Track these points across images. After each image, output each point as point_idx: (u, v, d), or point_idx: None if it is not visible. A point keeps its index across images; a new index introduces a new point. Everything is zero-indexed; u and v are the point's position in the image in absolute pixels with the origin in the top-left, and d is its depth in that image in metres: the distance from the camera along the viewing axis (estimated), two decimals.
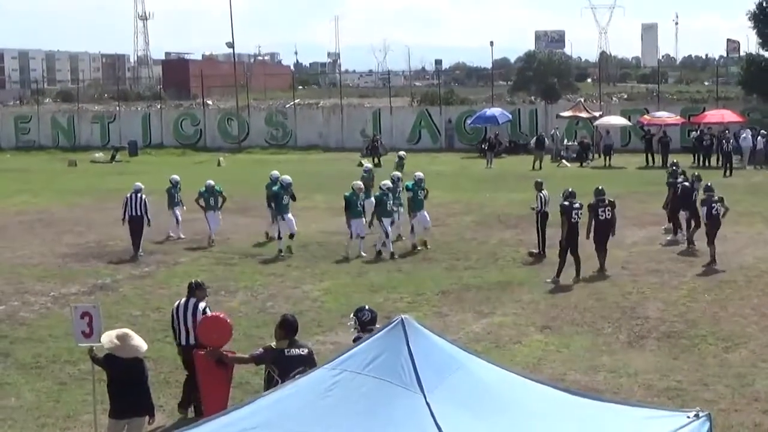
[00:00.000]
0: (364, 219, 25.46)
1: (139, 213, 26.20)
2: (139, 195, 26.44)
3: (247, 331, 18.30)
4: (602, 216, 22.68)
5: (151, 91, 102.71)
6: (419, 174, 27.36)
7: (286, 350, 10.96)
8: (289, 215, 26.08)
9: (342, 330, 18.18)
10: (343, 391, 6.83)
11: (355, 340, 11.15)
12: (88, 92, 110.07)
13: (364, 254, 24.99)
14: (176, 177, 30.21)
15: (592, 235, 22.69)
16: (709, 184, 23.87)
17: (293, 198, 26.72)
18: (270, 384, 10.63)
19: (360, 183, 26.12)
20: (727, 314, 18.91)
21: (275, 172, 28.32)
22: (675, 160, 31.77)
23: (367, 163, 31.71)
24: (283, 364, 10.78)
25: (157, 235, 28.30)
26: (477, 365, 7.41)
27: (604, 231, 22.74)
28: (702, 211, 23.27)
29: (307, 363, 10.72)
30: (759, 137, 47.70)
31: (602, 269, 22.62)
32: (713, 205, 22.97)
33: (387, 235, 25.17)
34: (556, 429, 7.00)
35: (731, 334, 17.48)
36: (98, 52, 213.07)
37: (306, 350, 11.13)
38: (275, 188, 26.42)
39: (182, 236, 28.72)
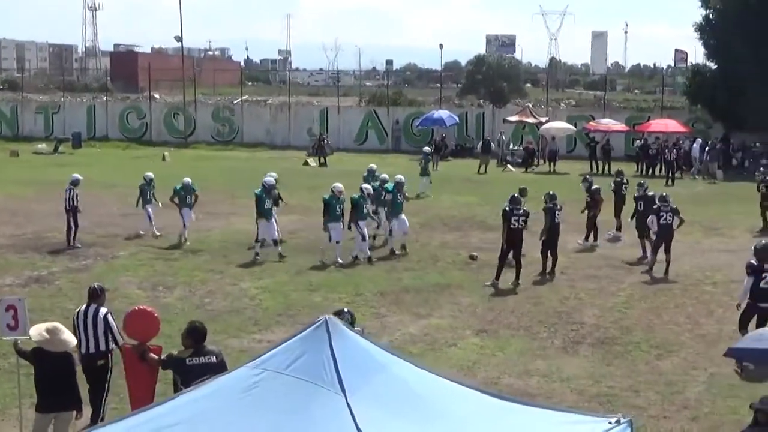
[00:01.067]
0: (341, 223, 24.63)
1: (75, 204, 25.99)
2: (74, 188, 26.16)
3: (183, 327, 18.13)
4: (557, 219, 23.02)
5: (99, 82, 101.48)
6: (400, 177, 26.83)
7: (187, 359, 10.75)
8: (272, 221, 25.17)
9: (278, 328, 18.15)
10: (264, 390, 6.78)
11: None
12: (34, 82, 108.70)
13: (340, 260, 24.22)
14: (150, 174, 29.53)
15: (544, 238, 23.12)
16: (664, 194, 24.03)
17: (277, 202, 26.36)
18: (175, 391, 10.49)
19: (340, 186, 25.01)
20: (661, 322, 19.09)
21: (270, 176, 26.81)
22: (620, 168, 32.16)
23: (372, 164, 30.94)
24: (184, 373, 10.59)
25: (129, 232, 28.22)
26: (401, 368, 7.38)
27: (556, 234, 23.15)
28: (652, 221, 23.29)
29: (215, 370, 10.35)
30: (700, 146, 48.37)
31: (552, 272, 23.00)
32: (661, 213, 23.07)
33: (364, 239, 24.70)
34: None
35: (664, 341, 17.65)
36: (45, 41, 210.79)
37: (214, 357, 10.90)
38: (257, 191, 25.38)
39: (158, 234, 27.97)
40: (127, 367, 12.16)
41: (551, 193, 23.75)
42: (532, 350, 17.09)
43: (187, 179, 28.30)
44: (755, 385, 14.30)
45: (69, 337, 11.38)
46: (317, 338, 6.92)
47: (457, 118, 58.54)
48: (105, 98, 72.01)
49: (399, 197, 26.13)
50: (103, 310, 12.78)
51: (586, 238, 26.86)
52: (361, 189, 25.56)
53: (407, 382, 7.20)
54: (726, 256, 25.22)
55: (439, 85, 76.47)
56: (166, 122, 65.50)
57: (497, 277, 21.91)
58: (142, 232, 28.17)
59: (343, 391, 6.62)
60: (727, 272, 23.34)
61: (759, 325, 16.26)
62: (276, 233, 25.14)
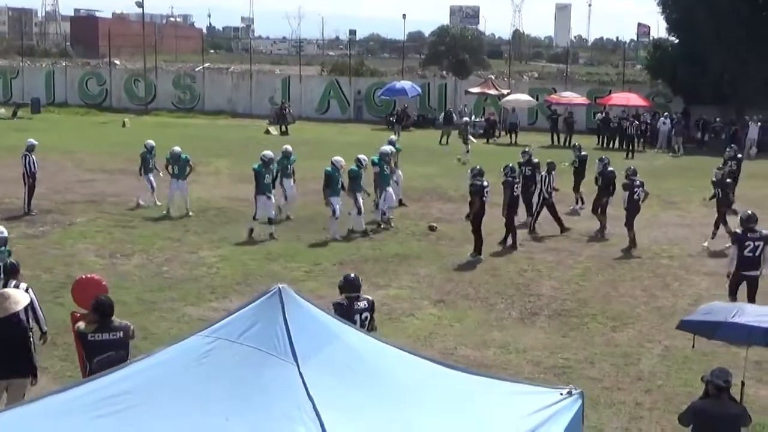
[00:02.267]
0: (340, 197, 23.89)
1: (33, 170, 25.73)
2: (30, 154, 25.84)
3: (140, 295, 18.14)
4: (516, 192, 23.20)
5: (58, 47, 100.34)
6: (386, 148, 26.28)
7: (89, 335, 10.59)
8: (271, 197, 24.00)
9: (236, 297, 18.11)
10: (216, 359, 6.75)
11: (332, 305, 11.44)
12: None
13: (338, 237, 23.64)
14: (151, 142, 28.54)
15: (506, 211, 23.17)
16: (632, 167, 24.08)
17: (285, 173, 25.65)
18: (84, 367, 10.73)
19: (341, 159, 24.27)
20: (617, 294, 19.23)
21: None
22: (577, 143, 32.34)
23: (392, 135, 30.46)
24: (87, 348, 10.52)
25: (86, 198, 27.87)
26: (354, 337, 7.40)
27: (515, 207, 23.32)
28: (624, 195, 23.30)
29: (119, 347, 10.49)
30: (662, 121, 48.63)
31: (515, 245, 23.06)
32: (635, 189, 23.15)
33: (360, 212, 24.30)
34: (430, 401, 7.03)
35: (620, 314, 17.79)
36: (4, 5, 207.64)
37: (120, 333, 10.68)
38: (255, 166, 23.99)
39: (158, 203, 27.20)
40: (76, 336, 12.05)
41: (510, 165, 23.80)
42: (489, 321, 17.17)
43: (176, 148, 27.21)
44: (709, 358, 14.53)
45: (12, 303, 11.14)
46: (270, 307, 6.89)
47: (419, 89, 58.46)
48: (65, 63, 71.24)
49: (385, 169, 25.66)
50: (23, 286, 12.47)
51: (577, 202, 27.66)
52: (358, 159, 24.90)
53: (359, 352, 7.20)
54: (682, 230, 25.46)
55: (401, 55, 76.17)
56: (126, 89, 64.85)
57: (478, 250, 22.01)
58: (142, 203, 27.49)
59: (296, 360, 6.60)
60: (684, 246, 23.58)
61: (749, 293, 16.63)
62: (273, 211, 24.10)
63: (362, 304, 11.63)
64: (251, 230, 23.62)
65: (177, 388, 6.63)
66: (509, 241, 23.13)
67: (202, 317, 16.69)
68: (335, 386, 6.64)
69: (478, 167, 22.74)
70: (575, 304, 18.37)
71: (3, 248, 14.32)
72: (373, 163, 25.61)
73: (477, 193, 21.81)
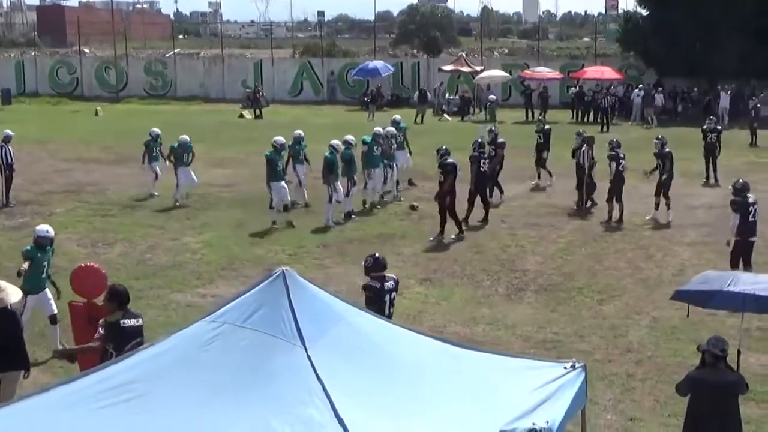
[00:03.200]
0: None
1: (10, 161, 25.51)
2: (6, 145, 25.58)
3: (126, 282, 17.84)
4: (483, 168, 23.08)
5: (25, 37, 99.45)
6: (379, 129, 26.05)
7: (121, 321, 10.35)
8: (282, 183, 23.40)
9: (221, 282, 18.09)
10: (223, 344, 6.74)
11: (363, 287, 11.72)
12: None
13: (332, 224, 23.24)
14: (156, 130, 27.80)
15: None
16: (615, 140, 24.09)
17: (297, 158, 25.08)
18: (103, 360, 10.08)
19: (339, 142, 24.01)
20: (602, 267, 19.31)
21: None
22: (541, 117, 32.41)
23: (396, 115, 30.17)
24: (119, 336, 10.20)
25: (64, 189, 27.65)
26: (358, 317, 7.40)
27: (483, 183, 23.31)
28: (611, 167, 23.25)
29: (141, 334, 10.34)
30: (636, 93, 48.75)
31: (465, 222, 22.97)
32: (621, 161, 23.19)
33: (349, 194, 24.03)
34: (439, 380, 7.05)
35: (606, 286, 17.88)
36: None
37: (140, 320, 10.56)
38: (267, 153, 23.44)
39: (155, 193, 26.78)
40: (75, 326, 11.99)
41: (479, 140, 23.95)
42: (477, 298, 17.22)
43: (184, 136, 26.65)
44: (697, 328, 14.65)
45: (7, 295, 11.06)
46: (275, 290, 6.88)
47: (392, 69, 58.32)
48: (34, 53, 70.62)
49: (375, 150, 25.41)
50: None
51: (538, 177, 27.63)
52: (347, 141, 24.58)
53: (365, 332, 7.21)
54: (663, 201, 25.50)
55: (372, 35, 75.97)
56: (97, 77, 64.40)
57: (461, 229, 22.02)
58: (156, 194, 26.84)
59: (303, 342, 6.59)
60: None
61: (747, 259, 16.73)
62: (289, 197, 23.52)
63: (390, 283, 11.88)
64: (274, 222, 23.03)
65: (184, 375, 6.61)
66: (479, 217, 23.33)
67: (190, 303, 16.71)
68: (344, 368, 6.64)
69: (444, 146, 22.76)
70: (561, 279, 18.44)
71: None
72: (364, 143, 25.48)
73: (452, 171, 21.60)
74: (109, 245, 21.33)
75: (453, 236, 21.76)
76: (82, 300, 12.00)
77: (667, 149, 23.76)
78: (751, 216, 17.02)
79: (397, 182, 27.18)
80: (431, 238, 21.52)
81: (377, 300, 11.56)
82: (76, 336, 11.96)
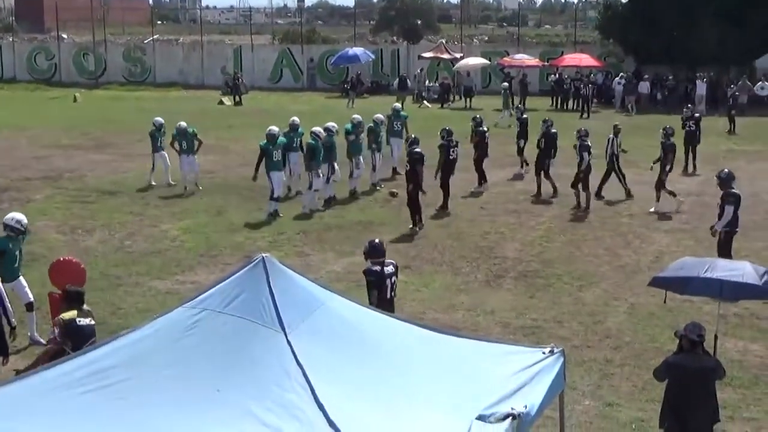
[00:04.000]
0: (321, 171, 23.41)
1: None
2: None
3: (105, 270, 18.02)
4: (452, 155, 23.14)
5: (2, 23, 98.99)
6: (357, 117, 26.09)
7: (77, 320, 10.22)
8: (279, 174, 23.05)
9: (201, 269, 18.09)
10: (203, 330, 6.77)
11: (363, 272, 11.87)
12: None
13: (308, 211, 23.10)
14: (160, 119, 27.02)
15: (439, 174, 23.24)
16: (584, 128, 24.14)
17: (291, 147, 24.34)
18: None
19: (321, 129, 23.74)
20: (581, 254, 19.38)
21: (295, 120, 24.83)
22: (519, 105, 32.46)
23: (396, 103, 30.22)
24: (75, 335, 10.06)
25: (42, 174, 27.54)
26: (338, 303, 7.44)
27: (450, 170, 23.37)
28: (582, 156, 23.22)
29: (95, 334, 10.26)
30: (617, 81, 48.83)
31: (445, 207, 23.17)
32: (591, 150, 23.26)
33: (328, 181, 24.06)
34: (418, 364, 7.10)
35: (585, 273, 17.95)
36: None
37: (92, 319, 10.45)
38: (262, 143, 22.94)
39: (153, 183, 26.28)
40: (54, 315, 11.97)
41: (447, 128, 23.89)
42: (456, 285, 17.26)
43: (182, 123, 26.30)
44: (674, 314, 14.77)
45: None
46: (255, 276, 6.91)
47: (372, 55, 58.23)
48: (11, 39, 70.23)
49: (360, 137, 25.48)
50: None
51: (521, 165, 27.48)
52: (327, 128, 24.39)
53: (345, 317, 7.25)
54: (641, 188, 25.55)
55: (352, 22, 75.86)
56: (75, 63, 64.09)
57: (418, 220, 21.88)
58: (172, 182, 26.27)
59: (283, 328, 6.63)
60: (643, 204, 23.74)
61: (727, 252, 16.72)
62: (281, 189, 23.35)
63: (390, 268, 12.03)
64: (276, 212, 22.67)
65: (165, 360, 6.63)
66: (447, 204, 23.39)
67: (170, 290, 16.70)
68: (323, 353, 6.68)
69: (413, 136, 22.82)
70: (540, 265, 18.50)
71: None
72: (346, 132, 25.46)
73: (419, 161, 21.46)
74: (87, 232, 21.26)
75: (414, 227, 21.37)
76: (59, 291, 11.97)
77: (672, 140, 23.79)
78: (737, 209, 16.93)
79: (394, 169, 27.30)
80: (409, 229, 21.35)
81: (378, 284, 11.70)
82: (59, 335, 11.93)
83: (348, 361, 6.78)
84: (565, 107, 47.49)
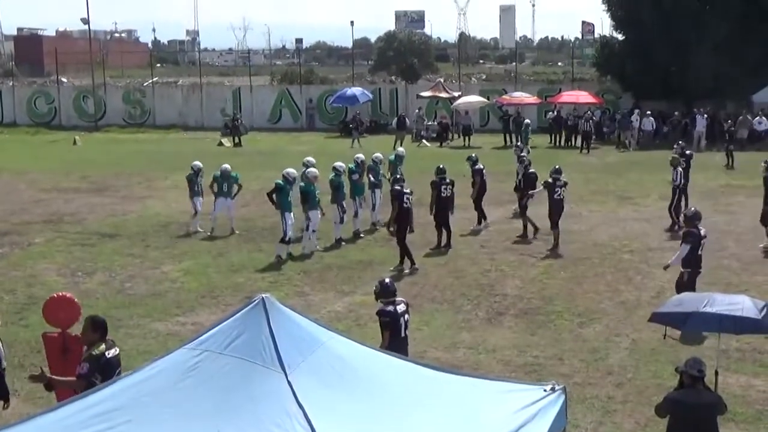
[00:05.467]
0: (319, 210, 23.19)
1: None
2: None
3: (106, 312, 17.81)
4: (444, 193, 23.22)
5: (3, 67, 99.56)
6: (360, 156, 26.17)
7: (106, 353, 10.12)
8: (291, 214, 22.77)
9: (202, 310, 18.08)
10: (204, 371, 6.78)
11: (377, 313, 11.94)
12: None
13: (318, 248, 23.22)
14: (198, 163, 26.62)
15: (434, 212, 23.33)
16: (557, 167, 24.10)
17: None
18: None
19: (315, 171, 23.45)
20: (582, 290, 19.37)
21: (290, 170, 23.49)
22: (518, 143, 32.46)
23: (400, 147, 30.22)
24: (106, 369, 9.96)
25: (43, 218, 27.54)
26: (338, 343, 7.45)
27: (446, 207, 23.36)
28: (550, 194, 23.19)
29: (120, 363, 10.21)
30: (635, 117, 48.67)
31: (448, 245, 23.20)
32: (557, 189, 23.22)
33: (342, 221, 24.17)
34: (419, 403, 7.10)
35: (586, 310, 17.93)
36: None
37: (117, 348, 10.34)
38: (279, 182, 22.73)
39: (200, 229, 25.62)
40: (50, 357, 11.87)
41: (441, 166, 23.91)
42: (457, 323, 17.25)
43: (226, 166, 26.25)
44: (676, 350, 14.73)
45: None
46: (255, 317, 6.94)
47: (370, 95, 58.53)
48: (11, 83, 70.58)
49: (362, 178, 25.57)
50: None
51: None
52: (335, 168, 24.68)
53: (345, 357, 7.27)
54: (641, 225, 25.68)
55: (350, 62, 76.23)
56: (75, 106, 64.36)
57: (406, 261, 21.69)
58: (200, 230, 25.69)
59: (283, 368, 6.65)
60: (643, 240, 23.79)
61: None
62: (289, 231, 22.72)
63: (401, 307, 12.10)
64: (290, 254, 22.54)
65: (166, 402, 6.64)
66: (443, 242, 23.36)
67: (170, 332, 16.68)
68: (324, 393, 6.69)
69: (397, 175, 22.94)
70: (541, 302, 18.50)
71: None
72: (351, 171, 25.40)
73: (396, 198, 21.51)
74: (88, 275, 21.27)
75: (406, 270, 21.28)
76: (55, 330, 11.89)
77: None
78: (700, 249, 16.77)
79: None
80: (406, 270, 21.30)
81: (393, 324, 11.70)
82: (51, 367, 11.81)
83: (349, 400, 6.78)
84: (570, 144, 47.63)
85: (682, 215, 23.30)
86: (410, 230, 21.63)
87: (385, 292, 12.07)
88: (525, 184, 25.06)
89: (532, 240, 24.13)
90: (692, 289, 16.44)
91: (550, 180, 23.24)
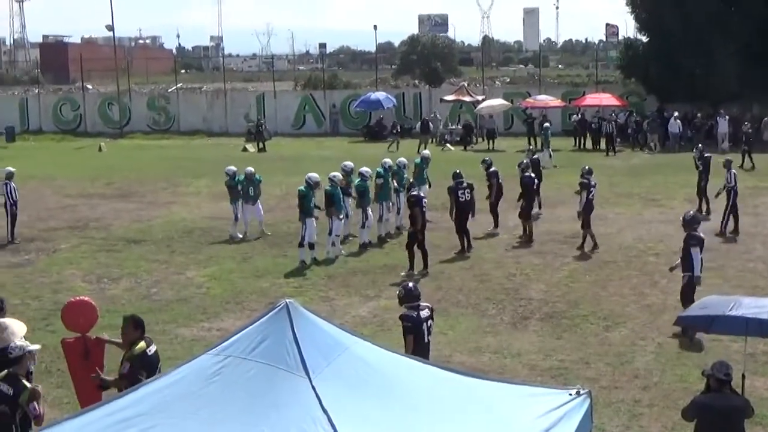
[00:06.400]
0: (343, 215, 23.63)
1: (14, 198, 25.54)
2: (9, 182, 25.59)
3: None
4: (462, 198, 23.19)
5: (29, 75, 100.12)
6: (387, 161, 25.98)
7: (147, 350, 10.45)
8: (313, 219, 22.68)
9: (227, 315, 18.11)
10: (228, 376, 6.78)
11: (400, 318, 11.90)
12: None
13: (343, 253, 23.39)
14: (233, 168, 26.64)
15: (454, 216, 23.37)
16: (588, 167, 24.07)
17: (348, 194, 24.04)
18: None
19: (340, 175, 23.93)
20: (607, 294, 19.30)
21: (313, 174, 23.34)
22: (531, 147, 33.22)
23: (425, 150, 30.26)
24: (149, 366, 10.27)
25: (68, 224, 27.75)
26: (362, 347, 7.43)
27: (465, 212, 23.33)
28: (581, 195, 23.25)
29: (159, 359, 10.47)
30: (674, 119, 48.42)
31: (469, 248, 23.24)
32: (591, 190, 23.23)
33: (380, 219, 24.53)
34: (443, 407, 7.07)
35: (611, 313, 17.86)
36: None
37: (155, 346, 10.67)
38: (301, 188, 22.78)
39: (239, 235, 25.67)
40: (71, 362, 11.89)
41: (457, 171, 23.89)
42: (482, 327, 17.21)
43: (250, 168, 26.53)
44: (701, 353, 14.63)
45: (10, 333, 11.03)
46: (278, 322, 6.93)
47: (394, 100, 58.46)
48: (37, 91, 70.98)
49: (388, 183, 25.34)
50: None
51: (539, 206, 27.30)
52: (361, 173, 24.79)
53: (368, 361, 7.25)
54: (666, 227, 25.52)
55: (373, 66, 76.22)
56: (100, 113, 64.71)
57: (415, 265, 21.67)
58: (240, 235, 25.72)
59: (307, 373, 6.64)
60: (669, 243, 23.61)
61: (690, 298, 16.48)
62: (315, 235, 22.82)
63: (425, 312, 12.04)
64: (314, 259, 22.51)
65: (191, 407, 6.65)
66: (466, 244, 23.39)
67: (195, 337, 16.73)
68: (348, 398, 6.67)
69: (411, 180, 22.92)
70: (566, 306, 18.43)
71: None
72: (378, 175, 25.28)
73: (415, 204, 21.47)
74: (114, 281, 21.36)
75: (415, 273, 21.17)
76: (74, 335, 11.91)
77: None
78: (701, 252, 16.69)
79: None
80: (415, 273, 21.21)
81: (415, 329, 11.67)
82: (73, 373, 11.87)
83: (373, 405, 6.77)
84: (596, 147, 47.41)
85: (727, 221, 23.57)
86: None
87: (409, 297, 12.04)
88: (523, 189, 24.97)
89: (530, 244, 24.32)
90: (693, 293, 16.39)
91: (584, 180, 23.18)
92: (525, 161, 26.32)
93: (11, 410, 9.84)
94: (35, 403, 10.03)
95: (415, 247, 21.44)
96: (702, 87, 48.39)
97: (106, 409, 6.88)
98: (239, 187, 25.98)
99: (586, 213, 23.20)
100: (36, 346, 10.65)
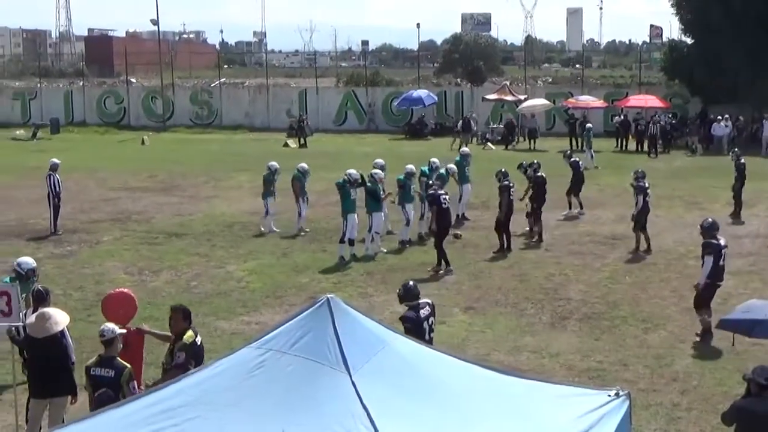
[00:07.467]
0: (383, 214, 23.73)
1: (58, 190, 25.78)
2: (54, 173, 25.82)
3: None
4: (513, 197, 23.41)
5: (74, 67, 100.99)
6: (410, 167, 25.35)
7: (196, 339, 10.78)
8: (354, 216, 22.76)
9: (266, 310, 18.21)
10: (268, 370, 6.83)
11: (400, 319, 11.87)
12: (9, 68, 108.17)
13: (382, 250, 23.35)
14: (275, 164, 26.79)
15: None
16: (640, 170, 23.92)
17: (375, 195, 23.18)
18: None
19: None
20: (647, 296, 19.22)
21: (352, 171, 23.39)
22: (568, 151, 33.27)
23: (465, 147, 30.30)
24: (198, 356, 10.61)
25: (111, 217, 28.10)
26: (402, 344, 7.47)
27: (511, 212, 23.39)
28: (637, 198, 23.03)
29: (204, 348, 10.67)
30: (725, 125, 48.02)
31: (509, 248, 23.28)
32: (648, 192, 23.07)
33: (408, 222, 24.28)
34: (482, 405, 7.09)
35: (651, 315, 17.79)
36: (19, 27, 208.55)
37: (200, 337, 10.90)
38: (339, 181, 22.93)
39: (275, 229, 25.78)
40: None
41: (503, 170, 23.84)
42: (521, 327, 17.20)
43: (303, 164, 26.53)
44: (742, 357, 14.54)
45: (53, 323, 11.21)
46: (320, 317, 6.97)
47: (435, 98, 58.40)
48: (82, 83, 71.56)
49: (411, 187, 24.97)
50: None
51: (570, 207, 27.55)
52: (407, 170, 24.87)
53: (408, 358, 7.28)
54: None
55: (415, 64, 76.19)
56: (144, 106, 65.13)
57: (508, 246, 22.71)
58: (276, 230, 25.86)
59: (348, 369, 6.68)
60: None
61: (707, 305, 16.32)
62: (354, 232, 22.83)
63: (425, 310, 11.98)
64: (353, 255, 22.62)
65: (232, 399, 6.71)
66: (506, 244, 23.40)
67: (235, 331, 16.83)
68: (388, 394, 6.71)
69: (430, 182, 23.14)
70: (605, 307, 18.38)
71: (32, 278, 14.17)
72: (398, 181, 24.89)
73: (434, 203, 21.52)
74: (155, 273, 21.53)
75: (441, 271, 21.31)
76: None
77: None
78: (721, 260, 16.31)
79: (463, 214, 27.34)
80: (428, 269, 21.42)
81: (416, 329, 11.60)
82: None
83: (412, 402, 6.80)
84: (639, 148, 47.10)
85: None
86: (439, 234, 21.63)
87: (409, 295, 12.03)
88: (535, 189, 24.76)
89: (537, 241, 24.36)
90: (710, 301, 16.24)
91: (640, 184, 23.03)
92: (535, 161, 26.11)
93: (114, 392, 10.03)
94: (135, 382, 10.24)
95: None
96: (746, 89, 47.99)
97: (147, 400, 6.96)
98: (298, 183, 25.81)
99: (642, 216, 23.07)
100: (123, 330, 10.93)
